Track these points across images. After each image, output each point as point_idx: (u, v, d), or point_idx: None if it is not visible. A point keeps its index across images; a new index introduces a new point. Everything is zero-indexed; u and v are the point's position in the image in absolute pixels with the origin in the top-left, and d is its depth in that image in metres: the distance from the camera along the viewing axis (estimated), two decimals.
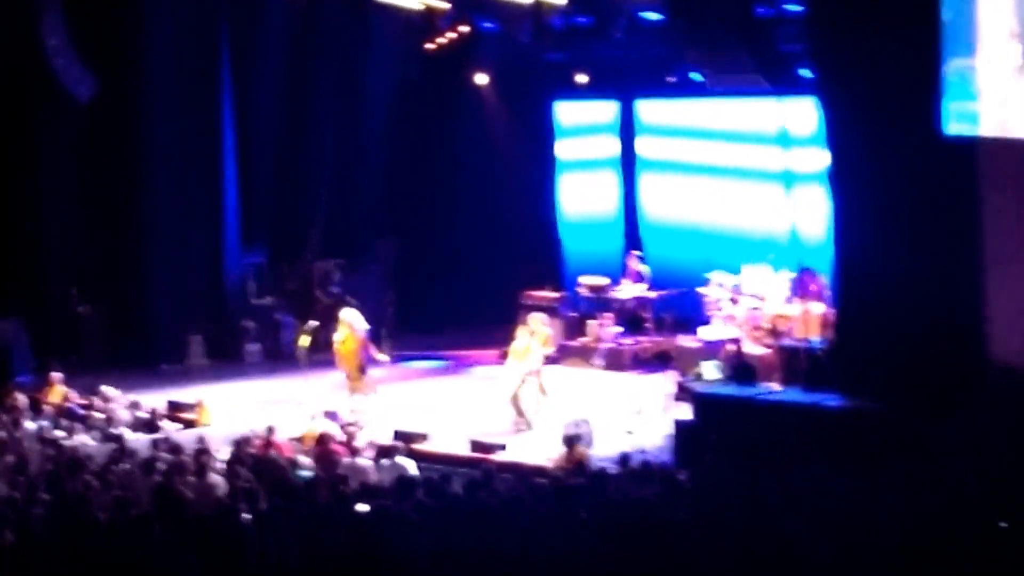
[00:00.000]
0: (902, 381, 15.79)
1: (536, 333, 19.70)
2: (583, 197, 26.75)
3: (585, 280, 24.11)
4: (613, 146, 26.11)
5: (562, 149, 26.79)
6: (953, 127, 15.74)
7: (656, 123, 25.46)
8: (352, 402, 19.81)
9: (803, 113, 19.81)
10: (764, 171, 23.34)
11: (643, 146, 25.64)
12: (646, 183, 25.68)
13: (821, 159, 17.52)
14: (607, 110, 26.08)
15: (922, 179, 15.99)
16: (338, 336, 20.13)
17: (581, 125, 26.64)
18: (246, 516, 11.76)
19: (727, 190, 24.37)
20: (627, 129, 25.76)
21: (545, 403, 19.27)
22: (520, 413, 18.92)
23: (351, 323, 19.99)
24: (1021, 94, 15.44)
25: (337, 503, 12.63)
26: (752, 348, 20.13)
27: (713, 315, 21.56)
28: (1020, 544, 10.17)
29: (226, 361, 24.42)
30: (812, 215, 19.47)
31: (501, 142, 26.67)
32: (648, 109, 25.54)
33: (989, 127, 15.73)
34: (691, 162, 25.00)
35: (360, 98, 26.39)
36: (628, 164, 25.87)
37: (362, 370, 19.95)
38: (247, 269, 25.46)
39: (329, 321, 22.30)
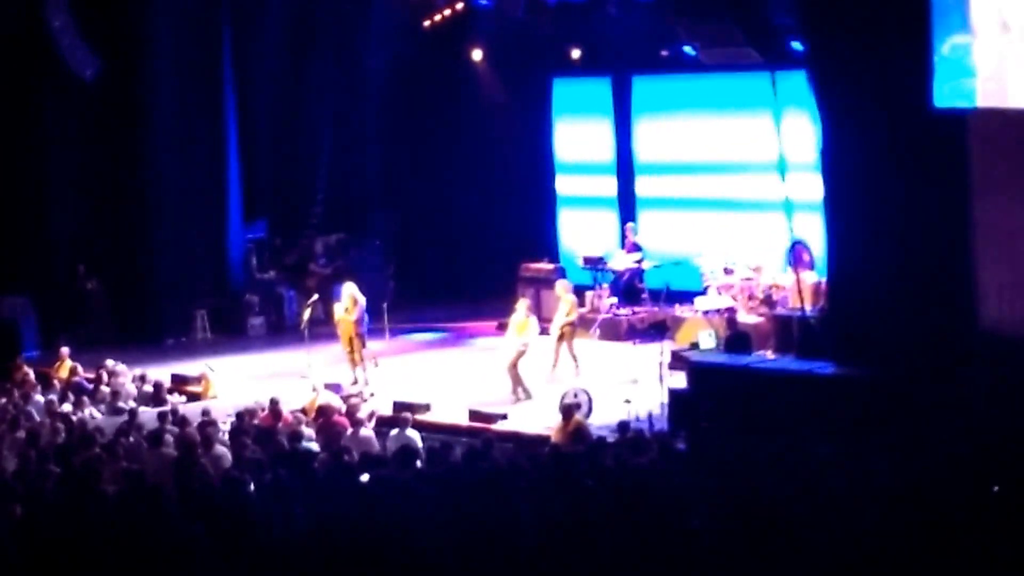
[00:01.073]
0: (893, 349, 15.88)
1: (561, 300, 20.00)
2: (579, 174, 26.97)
3: (582, 252, 24.33)
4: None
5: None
6: (948, 102, 15.86)
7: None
8: (354, 374, 20.10)
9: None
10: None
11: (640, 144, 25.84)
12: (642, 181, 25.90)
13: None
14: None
15: (912, 150, 16.01)
16: (340, 308, 20.41)
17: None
18: (251, 487, 12.00)
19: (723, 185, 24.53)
20: (622, 102, 25.96)
21: (578, 369, 19.60)
22: (518, 383, 19.17)
23: (354, 295, 20.27)
24: (1012, 65, 15.57)
25: (340, 473, 12.77)
26: (746, 317, 20.37)
27: (708, 285, 21.83)
28: (1012, 507, 10.33)
29: (230, 335, 24.67)
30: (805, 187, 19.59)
31: (497, 116, 26.84)
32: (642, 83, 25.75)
33: (982, 99, 15.86)
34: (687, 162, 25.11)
35: (358, 74, 26.58)
36: (623, 134, 26.03)
37: (362, 342, 20.23)
38: (249, 244, 25.71)
39: (326, 294, 22.57)
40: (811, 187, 18.55)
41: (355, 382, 19.93)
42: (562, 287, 20.36)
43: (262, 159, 25.94)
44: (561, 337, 19.86)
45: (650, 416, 16.77)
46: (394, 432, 15.80)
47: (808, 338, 17.63)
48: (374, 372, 20.42)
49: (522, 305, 19.77)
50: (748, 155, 23.41)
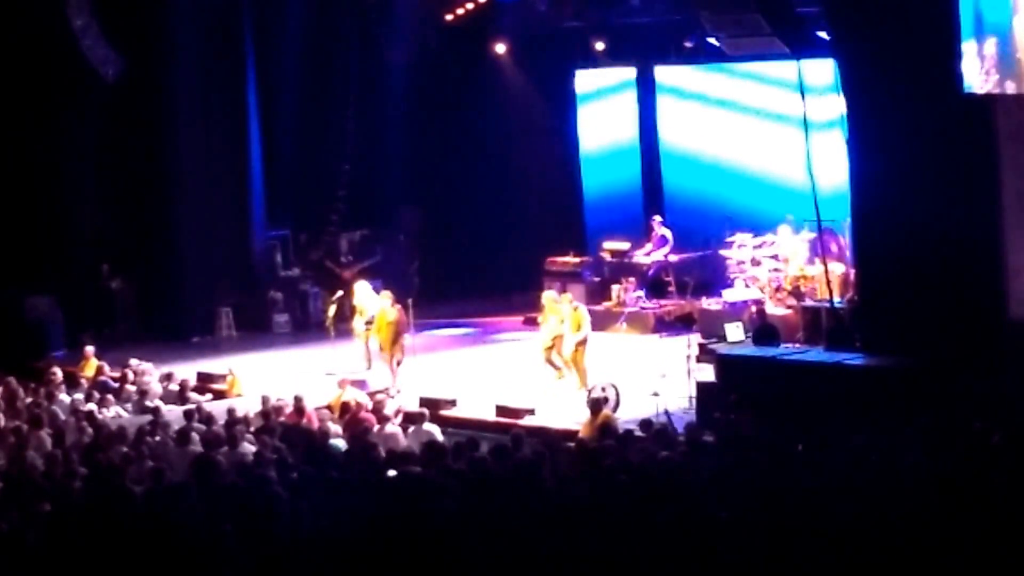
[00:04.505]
0: (923, 338, 15.83)
1: (548, 311, 19.58)
2: (604, 165, 26.89)
3: (608, 245, 24.29)
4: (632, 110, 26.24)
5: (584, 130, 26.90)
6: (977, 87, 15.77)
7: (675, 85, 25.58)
8: (388, 370, 20.00)
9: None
10: (783, 116, 23.33)
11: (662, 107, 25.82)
12: (666, 148, 25.82)
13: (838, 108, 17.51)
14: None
15: (940, 137, 15.98)
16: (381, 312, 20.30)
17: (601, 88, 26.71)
18: (278, 484, 11.97)
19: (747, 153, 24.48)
20: (646, 94, 25.86)
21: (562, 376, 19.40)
22: (556, 368, 19.08)
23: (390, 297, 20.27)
24: None
25: (366, 470, 12.77)
26: (774, 309, 20.29)
27: (735, 277, 21.73)
28: None
29: (255, 332, 24.75)
30: (831, 172, 19.50)
31: (521, 109, 26.86)
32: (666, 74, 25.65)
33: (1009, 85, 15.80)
34: (711, 134, 25.08)
35: (381, 69, 26.63)
36: (647, 127, 25.96)
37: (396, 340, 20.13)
38: (273, 241, 25.75)
39: (349, 290, 22.54)
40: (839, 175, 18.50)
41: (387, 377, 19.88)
42: (566, 301, 19.59)
43: (285, 155, 26.02)
44: (551, 348, 19.42)
45: (668, 413, 16.65)
46: (412, 428, 15.78)
47: (837, 329, 17.57)
48: (403, 368, 20.34)
49: (565, 299, 19.63)
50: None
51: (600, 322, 22.48)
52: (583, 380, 18.74)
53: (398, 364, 20.01)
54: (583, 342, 18.97)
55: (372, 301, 20.86)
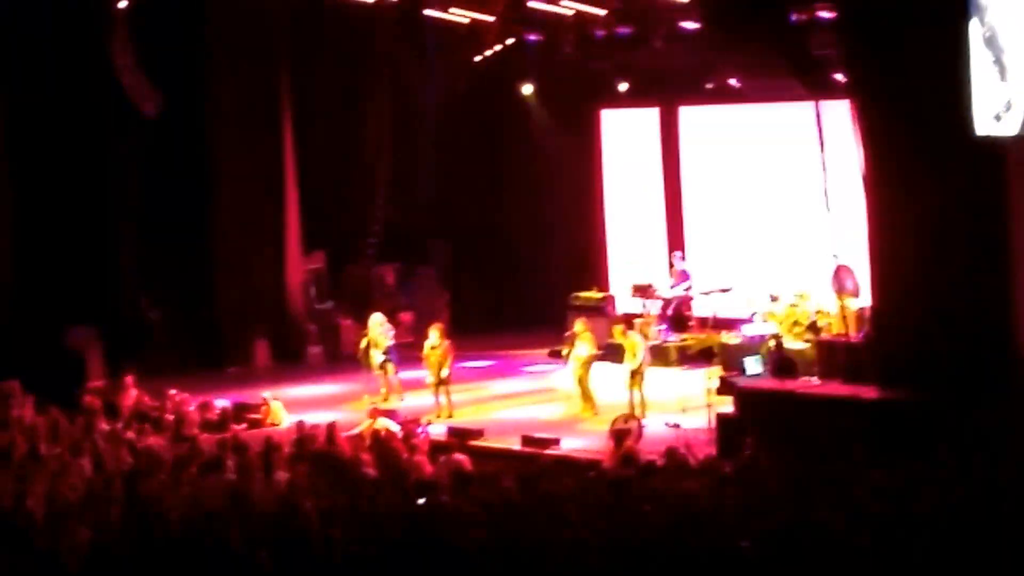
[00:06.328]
0: (937, 373, 16.02)
1: (580, 336, 20.11)
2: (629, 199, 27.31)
3: (630, 280, 24.63)
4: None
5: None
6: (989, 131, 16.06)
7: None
8: (437, 401, 20.44)
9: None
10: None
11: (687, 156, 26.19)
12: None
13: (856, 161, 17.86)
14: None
15: (953, 178, 16.19)
16: (429, 343, 20.77)
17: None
18: (311, 511, 12.36)
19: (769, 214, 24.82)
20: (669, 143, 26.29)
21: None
22: (588, 398, 19.48)
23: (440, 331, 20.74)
24: None
25: (396, 498, 13.04)
26: (792, 343, 20.59)
27: (754, 312, 22.06)
28: None
29: (290, 363, 25.08)
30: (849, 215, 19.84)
31: (547, 148, 27.22)
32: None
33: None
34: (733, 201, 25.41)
35: (413, 110, 27.05)
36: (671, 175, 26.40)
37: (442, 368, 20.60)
38: (309, 275, 26.19)
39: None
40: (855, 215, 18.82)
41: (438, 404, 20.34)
42: (618, 330, 20.33)
43: (320, 191, 26.38)
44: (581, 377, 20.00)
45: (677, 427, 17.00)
46: (441, 458, 16.21)
47: (853, 363, 17.78)
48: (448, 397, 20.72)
49: (618, 330, 20.05)
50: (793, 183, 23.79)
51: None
52: (642, 409, 19.16)
53: (447, 393, 20.48)
54: (639, 370, 19.39)
55: (386, 333, 21.39)
